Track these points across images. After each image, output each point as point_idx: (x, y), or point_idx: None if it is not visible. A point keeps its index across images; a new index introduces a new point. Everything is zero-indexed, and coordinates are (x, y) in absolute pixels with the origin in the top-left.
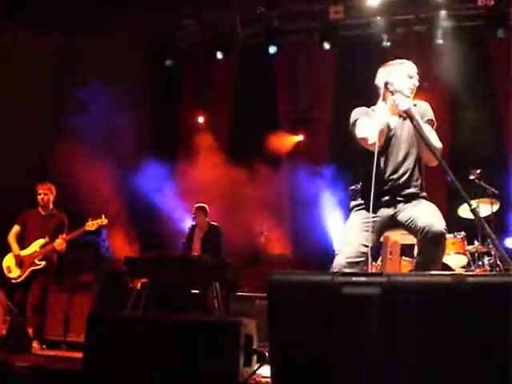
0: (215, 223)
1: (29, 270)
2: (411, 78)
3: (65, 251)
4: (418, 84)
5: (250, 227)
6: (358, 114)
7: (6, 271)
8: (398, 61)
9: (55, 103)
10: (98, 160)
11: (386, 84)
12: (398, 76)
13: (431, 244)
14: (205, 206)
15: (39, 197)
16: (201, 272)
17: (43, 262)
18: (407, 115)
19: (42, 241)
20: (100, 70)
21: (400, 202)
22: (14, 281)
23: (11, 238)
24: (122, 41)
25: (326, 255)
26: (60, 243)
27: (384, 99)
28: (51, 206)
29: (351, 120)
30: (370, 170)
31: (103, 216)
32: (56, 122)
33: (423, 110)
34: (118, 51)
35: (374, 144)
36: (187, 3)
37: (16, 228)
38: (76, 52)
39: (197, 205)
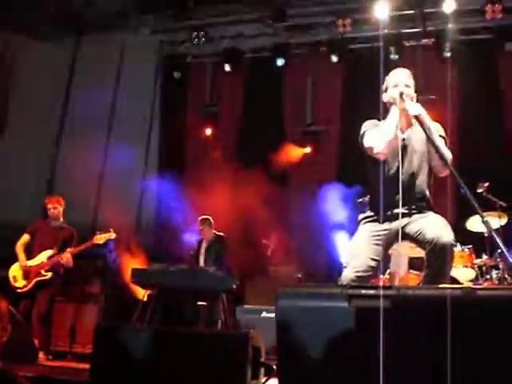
0: (221, 233)
1: (34, 281)
2: (396, 86)
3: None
4: (406, 92)
5: (257, 240)
6: (367, 125)
7: (11, 280)
8: (394, 71)
9: (63, 112)
10: (104, 171)
11: (401, 94)
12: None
13: (439, 256)
14: (209, 217)
15: (49, 211)
16: (207, 284)
17: (49, 274)
18: (418, 121)
19: (49, 252)
20: (107, 82)
21: (410, 214)
22: (19, 290)
23: (19, 248)
24: (130, 53)
25: (333, 269)
26: (67, 258)
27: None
28: (61, 219)
29: (361, 132)
30: (382, 182)
31: (111, 230)
32: (62, 132)
33: (436, 127)
34: (126, 63)
35: (381, 153)
36: (195, 16)
37: (25, 237)
38: (83, 63)
39: (201, 217)
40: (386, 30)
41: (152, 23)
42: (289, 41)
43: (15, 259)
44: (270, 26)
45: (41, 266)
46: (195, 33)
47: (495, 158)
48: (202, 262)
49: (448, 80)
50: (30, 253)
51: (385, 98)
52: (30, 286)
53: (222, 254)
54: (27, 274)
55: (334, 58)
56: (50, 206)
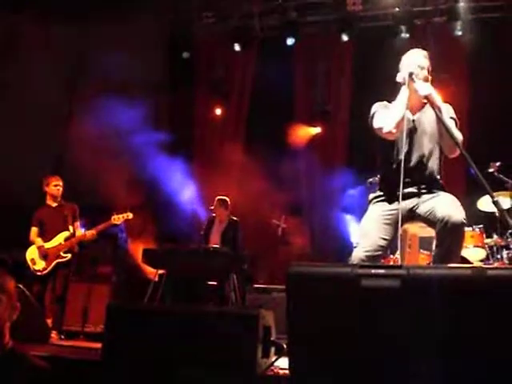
0: (235, 218)
1: (55, 262)
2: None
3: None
4: (416, 72)
5: (268, 219)
6: (377, 107)
7: (30, 264)
8: (410, 51)
9: (70, 94)
10: (114, 153)
11: (411, 74)
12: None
13: (450, 234)
14: (226, 199)
15: (56, 189)
16: (218, 264)
17: (69, 255)
18: (428, 101)
19: (66, 233)
20: (117, 62)
21: (421, 194)
22: (39, 273)
23: (33, 238)
24: (139, 33)
25: (344, 248)
26: (92, 234)
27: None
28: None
29: (370, 113)
30: (392, 162)
31: (128, 210)
32: (70, 113)
33: (446, 108)
34: (136, 43)
35: (390, 133)
36: None
37: (34, 230)
38: (92, 44)
39: (218, 197)
40: (397, 9)
41: (162, 2)
42: (299, 20)
43: (26, 245)
44: (280, 5)
45: (59, 248)
46: (205, 12)
47: (507, 138)
48: (212, 242)
49: (459, 59)
50: (43, 237)
51: (398, 78)
52: (50, 267)
53: (237, 237)
54: (46, 256)
55: (345, 37)
56: (55, 184)
